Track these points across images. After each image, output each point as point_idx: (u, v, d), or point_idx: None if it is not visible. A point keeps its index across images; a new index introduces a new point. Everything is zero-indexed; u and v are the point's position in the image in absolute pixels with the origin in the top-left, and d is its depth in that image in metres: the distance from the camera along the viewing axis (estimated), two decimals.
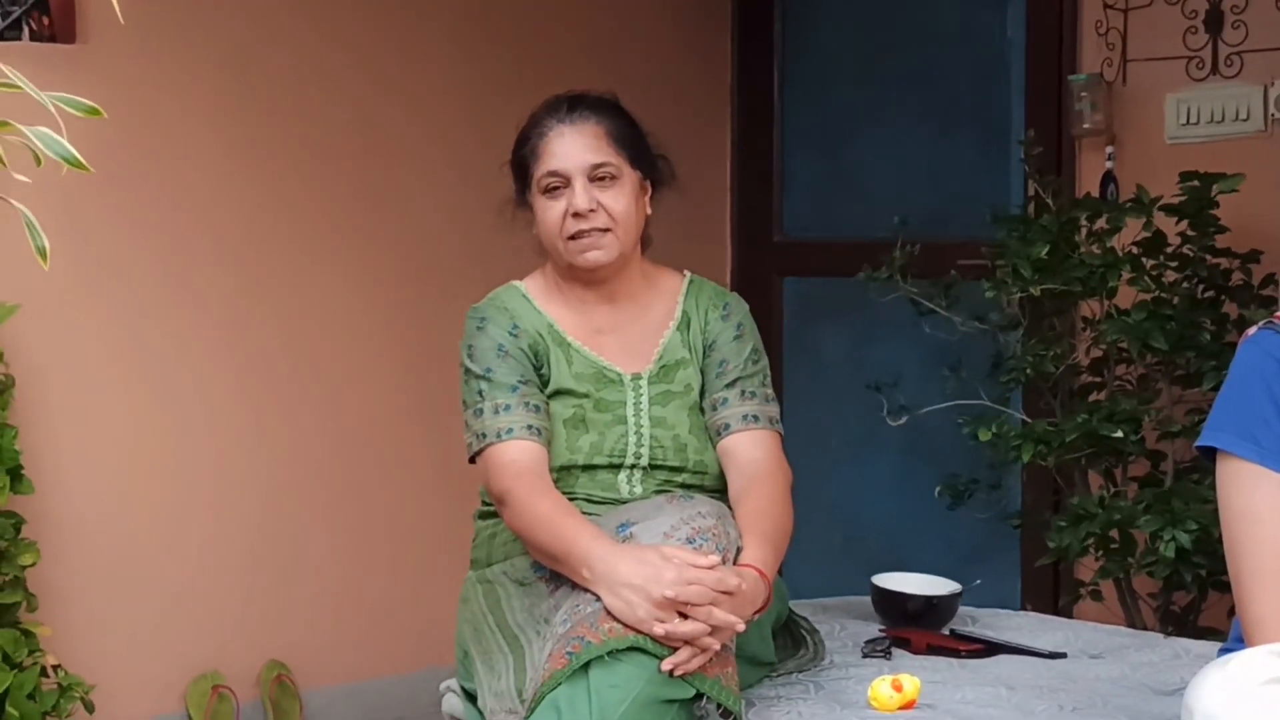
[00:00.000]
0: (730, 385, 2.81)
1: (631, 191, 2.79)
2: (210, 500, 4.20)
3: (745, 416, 2.80)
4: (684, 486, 2.75)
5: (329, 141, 4.39)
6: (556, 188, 2.76)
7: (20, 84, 1.59)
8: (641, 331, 2.85)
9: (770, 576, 2.58)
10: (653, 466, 2.75)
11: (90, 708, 3.68)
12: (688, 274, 2.94)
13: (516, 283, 2.89)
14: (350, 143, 4.43)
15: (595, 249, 2.76)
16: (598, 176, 2.75)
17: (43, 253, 1.59)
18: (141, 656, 4.07)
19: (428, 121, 4.57)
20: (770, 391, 2.87)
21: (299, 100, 4.33)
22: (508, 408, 2.72)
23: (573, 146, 2.76)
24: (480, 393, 2.74)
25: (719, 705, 2.40)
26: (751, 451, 2.77)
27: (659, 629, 2.36)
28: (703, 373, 2.85)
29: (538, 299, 2.85)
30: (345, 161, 4.42)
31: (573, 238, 2.76)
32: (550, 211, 2.77)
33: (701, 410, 2.82)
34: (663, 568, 2.39)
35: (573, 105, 2.81)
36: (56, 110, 1.63)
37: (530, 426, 2.71)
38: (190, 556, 4.16)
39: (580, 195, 2.74)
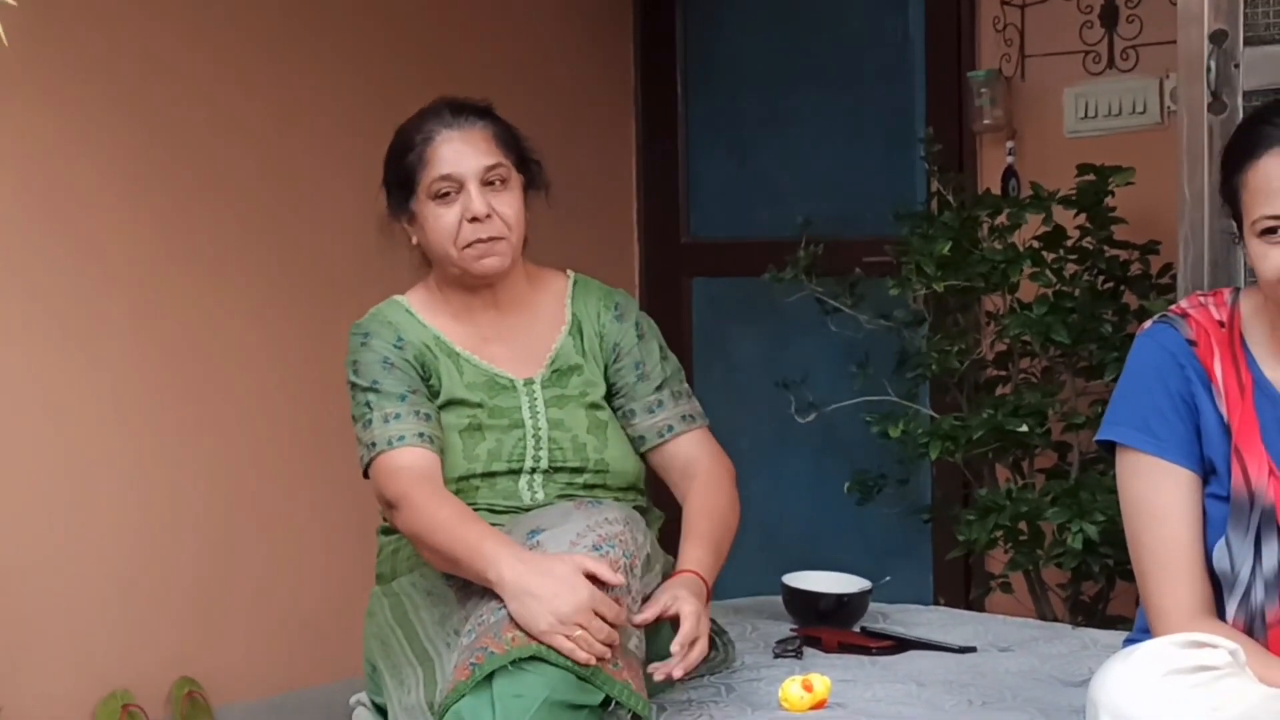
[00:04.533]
0: (660, 388, 2.83)
1: (519, 195, 2.78)
2: (118, 516, 4.15)
3: (684, 418, 2.84)
4: (586, 488, 2.74)
5: (222, 164, 4.32)
6: (448, 193, 2.73)
7: None
8: (530, 338, 2.83)
9: (710, 577, 2.62)
10: (553, 469, 2.74)
11: None
12: (571, 274, 2.93)
13: (398, 297, 2.86)
14: (242, 161, 4.37)
15: (491, 255, 2.74)
16: (488, 180, 2.73)
17: None
18: (49, 674, 4.01)
19: (321, 142, 4.51)
20: (688, 386, 2.91)
21: (191, 122, 4.27)
22: (398, 416, 2.69)
23: (464, 150, 2.73)
24: (368, 404, 2.71)
25: (629, 712, 2.40)
26: (697, 450, 2.83)
27: (563, 643, 2.35)
28: (613, 378, 2.84)
29: (421, 312, 2.82)
30: (239, 182, 4.36)
31: (469, 245, 2.73)
32: (444, 219, 2.73)
33: (614, 411, 2.82)
34: (570, 588, 2.37)
35: (456, 110, 2.78)
36: None
37: (422, 434, 2.68)
38: (99, 573, 4.11)
39: (477, 200, 2.71)
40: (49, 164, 4.02)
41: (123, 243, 4.15)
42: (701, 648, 2.53)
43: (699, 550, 2.67)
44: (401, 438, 2.67)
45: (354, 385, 2.75)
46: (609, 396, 2.84)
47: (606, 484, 2.76)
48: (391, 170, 2.81)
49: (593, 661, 2.35)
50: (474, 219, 2.71)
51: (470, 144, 2.74)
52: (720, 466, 2.84)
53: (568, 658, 2.34)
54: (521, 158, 2.81)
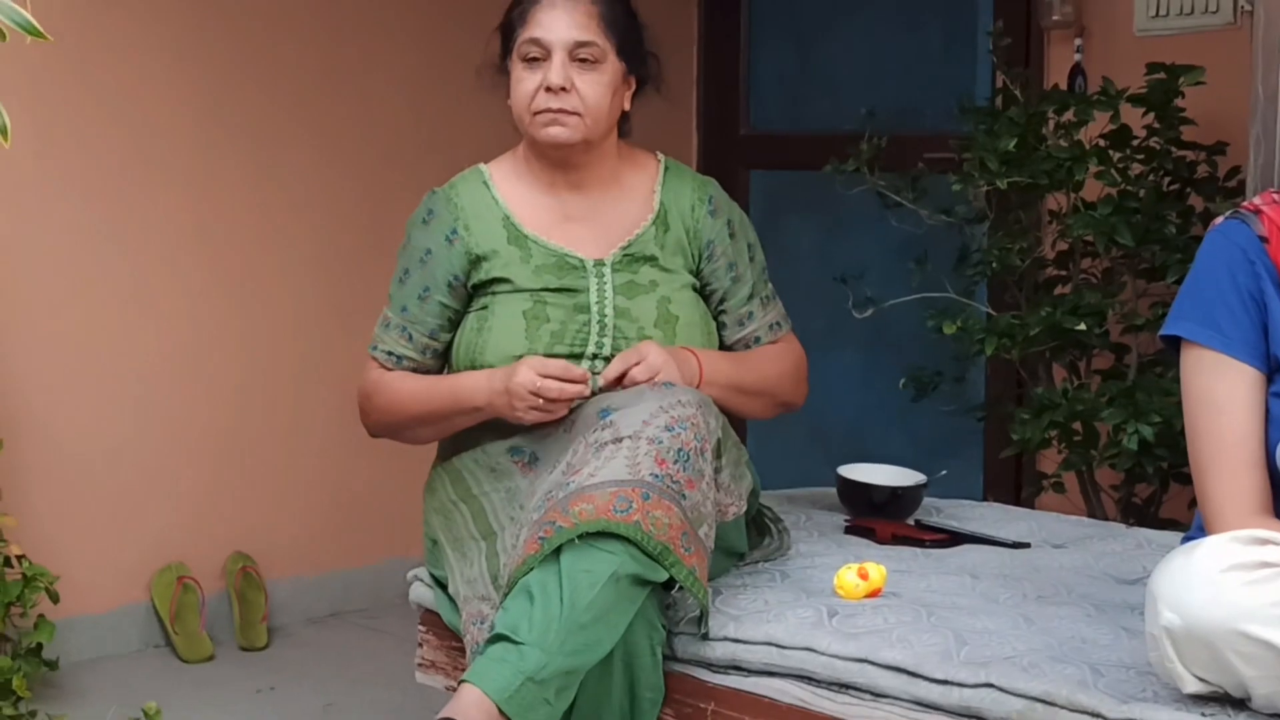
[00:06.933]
0: (750, 297, 2.88)
1: (611, 81, 2.74)
2: (176, 390, 4.18)
3: (771, 326, 2.92)
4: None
5: (296, 17, 4.32)
6: (536, 58, 2.72)
7: None
8: (613, 217, 2.81)
9: (709, 367, 2.72)
10: (615, 357, 2.73)
11: (55, 598, 3.67)
12: (661, 158, 2.90)
13: (483, 166, 2.86)
14: (318, 19, 4.37)
15: (557, 125, 2.71)
16: (579, 57, 2.71)
17: (3, 131, 1.56)
18: (106, 547, 4.06)
19: (373, 21, 4.50)
20: (771, 284, 2.96)
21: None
22: (387, 325, 2.83)
23: (561, 20, 2.71)
24: (390, 294, 2.84)
25: (691, 597, 2.42)
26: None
27: (537, 415, 2.58)
28: (707, 277, 2.85)
29: (500, 186, 2.81)
30: (312, 39, 4.36)
31: (540, 112, 2.72)
32: (525, 83, 2.73)
33: (713, 313, 2.87)
34: (519, 366, 2.60)
35: None
36: None
37: (391, 354, 2.82)
38: (155, 447, 4.15)
39: (556, 70, 2.70)
40: (108, 55, 4.01)
41: (175, 121, 4.15)
42: (639, 372, 2.62)
43: (719, 356, 2.80)
44: (375, 347, 2.84)
45: (400, 253, 2.84)
46: (704, 294, 2.86)
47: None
48: (502, 23, 2.80)
49: (562, 413, 2.58)
50: (549, 89, 2.70)
51: (570, 15, 2.72)
52: (792, 352, 2.94)
53: (542, 423, 2.59)
54: (628, 46, 2.77)
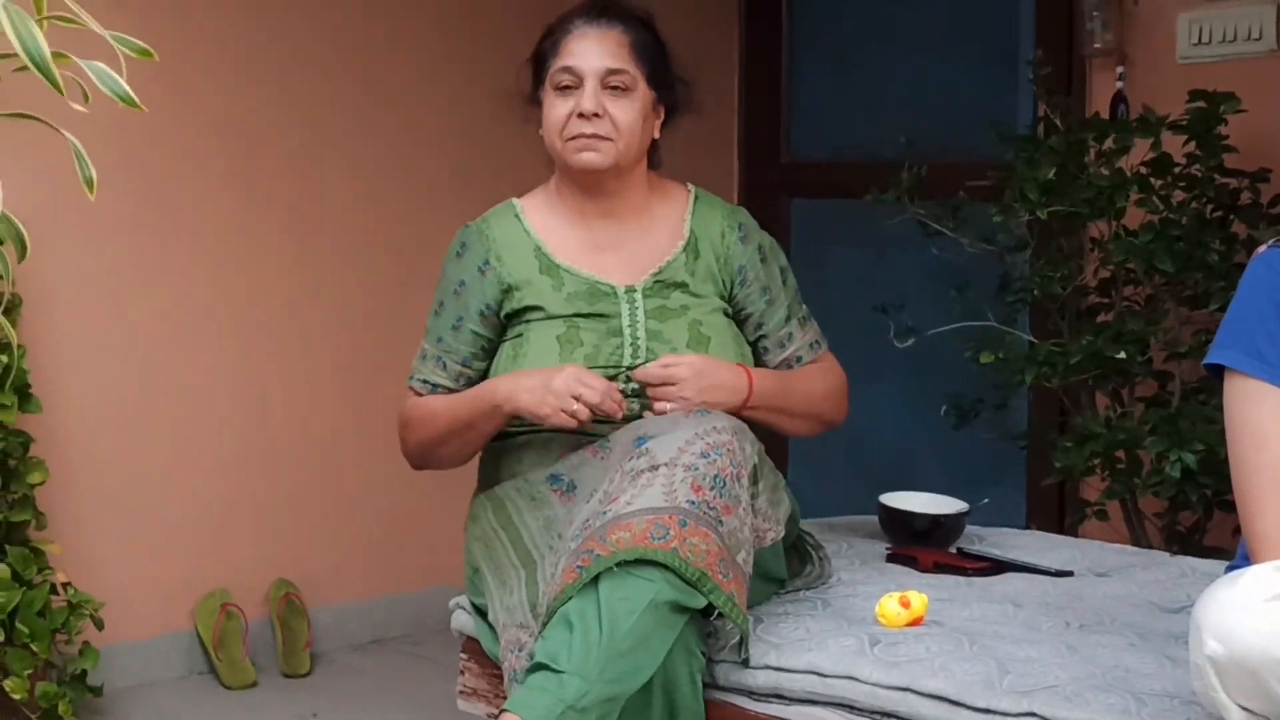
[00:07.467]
0: (788, 318, 2.92)
1: (642, 108, 2.79)
2: (219, 418, 4.21)
3: (812, 345, 2.96)
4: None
5: (330, 63, 4.36)
6: (568, 86, 2.77)
7: (81, 19, 1.58)
8: (643, 246, 2.85)
9: (756, 385, 2.75)
10: None
11: (100, 625, 3.70)
12: (691, 188, 2.94)
13: (515, 200, 2.90)
14: (352, 66, 4.41)
15: (590, 150, 2.77)
16: (611, 85, 2.76)
17: (90, 183, 1.59)
18: (150, 574, 4.08)
19: (432, 33, 4.54)
20: (805, 305, 3.00)
21: (306, 9, 4.31)
22: (424, 356, 2.90)
23: (593, 49, 2.77)
24: (427, 327, 2.91)
25: (731, 624, 2.42)
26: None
27: (565, 420, 2.60)
28: (741, 302, 2.88)
29: (532, 218, 2.86)
30: (345, 85, 4.39)
31: (573, 138, 2.76)
32: (557, 109, 2.78)
33: (752, 340, 2.89)
34: (556, 369, 2.65)
35: (603, 10, 2.83)
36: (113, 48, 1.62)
37: (427, 382, 2.88)
38: (199, 475, 4.17)
39: (589, 97, 2.75)
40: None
41: (217, 160, 4.18)
42: (674, 381, 2.67)
43: (769, 376, 2.83)
44: (411, 377, 2.91)
45: (435, 294, 2.90)
46: (738, 319, 2.89)
47: None
48: (533, 54, 2.86)
49: (585, 416, 2.60)
50: (581, 115, 2.75)
51: (601, 44, 2.77)
52: (833, 370, 2.97)
53: (570, 429, 2.62)
54: (658, 74, 2.82)
